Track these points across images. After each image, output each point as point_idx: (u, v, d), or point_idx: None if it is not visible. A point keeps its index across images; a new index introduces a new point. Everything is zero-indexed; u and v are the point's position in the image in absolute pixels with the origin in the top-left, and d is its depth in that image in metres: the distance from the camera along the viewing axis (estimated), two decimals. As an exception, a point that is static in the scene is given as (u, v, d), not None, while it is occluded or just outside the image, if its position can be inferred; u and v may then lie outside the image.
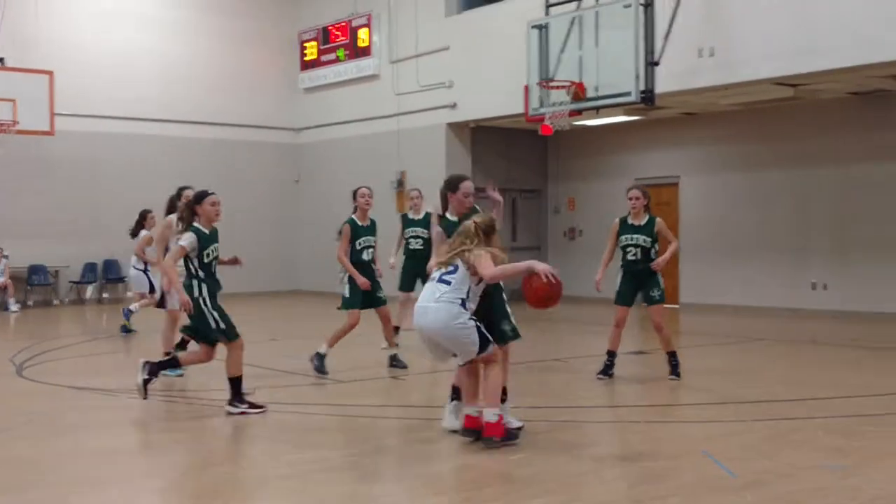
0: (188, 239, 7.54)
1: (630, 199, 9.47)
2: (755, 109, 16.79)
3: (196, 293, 7.55)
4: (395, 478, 6.02)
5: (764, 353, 12.04)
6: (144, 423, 7.72)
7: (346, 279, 9.84)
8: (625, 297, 9.51)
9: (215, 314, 7.57)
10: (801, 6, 13.49)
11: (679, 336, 14.40)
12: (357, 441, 6.96)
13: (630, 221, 9.49)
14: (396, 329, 11.78)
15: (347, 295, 9.82)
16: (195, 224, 7.63)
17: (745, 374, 10.24)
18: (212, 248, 7.64)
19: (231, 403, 7.68)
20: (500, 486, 5.65)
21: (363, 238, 9.81)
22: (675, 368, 9.51)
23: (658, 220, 9.46)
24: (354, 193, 10.07)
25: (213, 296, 7.61)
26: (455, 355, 6.63)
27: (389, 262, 12.16)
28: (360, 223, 9.87)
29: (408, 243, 12.24)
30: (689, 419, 7.85)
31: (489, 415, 6.39)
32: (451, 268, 6.52)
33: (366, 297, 9.86)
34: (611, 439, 7.16)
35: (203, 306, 7.56)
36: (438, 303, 6.43)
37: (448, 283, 6.47)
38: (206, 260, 7.60)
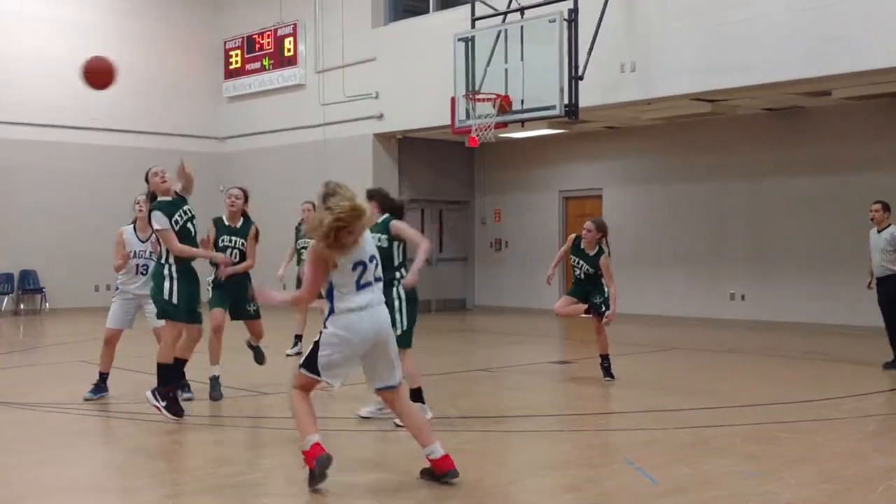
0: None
1: (584, 230, 10.01)
2: (676, 123, 17.16)
3: None
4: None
5: (684, 362, 12.27)
6: (62, 436, 7.56)
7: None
8: (575, 294, 10.19)
9: None
10: (716, 25, 13.83)
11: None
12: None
13: (582, 246, 10.03)
14: (299, 337, 11.96)
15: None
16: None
17: (666, 382, 10.42)
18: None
19: (153, 392, 7.57)
20: (420, 496, 5.66)
21: (225, 237, 9.37)
22: (607, 371, 10.09)
23: (603, 257, 9.95)
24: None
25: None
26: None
27: (278, 273, 12.18)
28: (226, 223, 9.52)
29: (299, 254, 12.35)
30: (611, 427, 7.98)
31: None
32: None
33: (232, 308, 9.29)
34: (534, 448, 7.24)
35: None
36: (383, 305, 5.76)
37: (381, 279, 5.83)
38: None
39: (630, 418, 8.22)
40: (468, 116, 14.75)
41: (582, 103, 13.98)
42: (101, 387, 8.81)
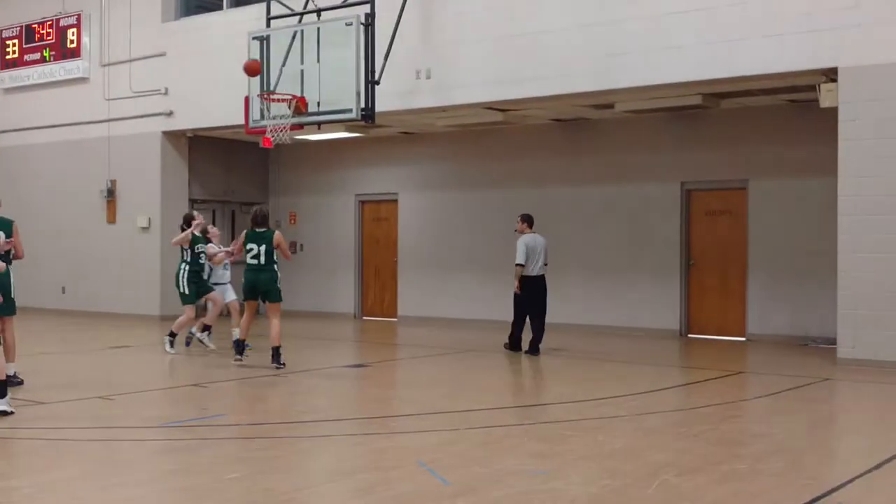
0: None
1: None
2: (470, 131, 17.52)
3: None
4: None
5: (476, 363, 12.51)
6: None
7: None
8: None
9: None
10: (507, 37, 14.24)
11: (395, 348, 14.73)
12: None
13: None
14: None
15: None
16: None
17: (459, 384, 10.59)
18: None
19: None
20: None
21: None
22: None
23: None
24: None
25: None
26: None
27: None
28: None
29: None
30: (404, 430, 8.02)
31: None
32: None
33: None
34: (326, 453, 7.16)
35: None
36: None
37: None
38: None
39: (423, 420, 8.29)
40: (262, 117, 14.48)
41: (378, 108, 14.04)
42: None
